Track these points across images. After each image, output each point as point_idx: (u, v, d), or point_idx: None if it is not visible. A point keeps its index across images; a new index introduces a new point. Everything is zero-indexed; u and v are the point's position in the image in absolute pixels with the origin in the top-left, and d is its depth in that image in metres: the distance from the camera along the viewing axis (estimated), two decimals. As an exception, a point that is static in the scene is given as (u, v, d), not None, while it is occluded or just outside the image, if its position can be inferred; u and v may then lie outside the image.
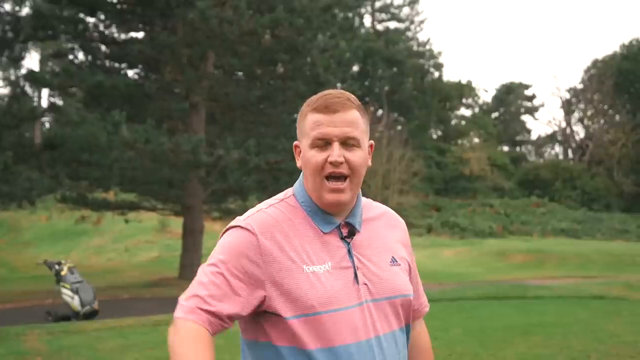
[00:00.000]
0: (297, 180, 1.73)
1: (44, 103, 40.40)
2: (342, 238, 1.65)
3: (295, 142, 1.71)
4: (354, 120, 1.62)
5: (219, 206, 20.02)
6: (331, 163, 1.59)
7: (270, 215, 1.63)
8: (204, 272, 1.57)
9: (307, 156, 1.63)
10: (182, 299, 1.55)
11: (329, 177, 1.60)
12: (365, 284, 1.62)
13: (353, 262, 1.63)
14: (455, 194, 48.26)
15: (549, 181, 49.02)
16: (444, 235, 37.32)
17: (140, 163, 13.78)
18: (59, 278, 10.15)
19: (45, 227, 34.20)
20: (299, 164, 1.68)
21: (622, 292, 12.33)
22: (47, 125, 39.24)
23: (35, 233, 33.47)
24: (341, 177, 1.61)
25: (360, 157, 1.63)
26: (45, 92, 39.34)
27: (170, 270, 20.37)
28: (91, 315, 9.76)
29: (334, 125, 1.60)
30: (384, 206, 1.87)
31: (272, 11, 14.94)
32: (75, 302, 9.76)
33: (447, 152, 51.11)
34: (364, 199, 1.79)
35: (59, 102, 36.05)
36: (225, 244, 1.60)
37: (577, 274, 20.49)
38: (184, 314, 1.50)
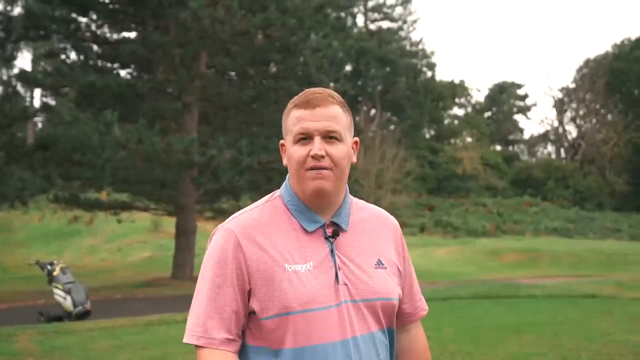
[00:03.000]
0: (284, 182, 1.75)
1: (37, 103, 40.29)
2: (326, 238, 1.66)
3: (282, 141, 1.73)
4: (334, 115, 1.65)
5: (212, 206, 20.00)
6: (313, 157, 1.61)
7: (253, 217, 1.67)
8: (206, 297, 1.63)
9: (290, 152, 1.65)
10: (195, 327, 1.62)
11: (311, 170, 1.63)
12: (346, 285, 1.63)
13: (335, 262, 1.63)
14: (448, 193, 48.34)
15: (541, 180, 49.18)
16: (437, 234, 37.38)
17: (133, 163, 13.76)
18: (51, 278, 10.14)
19: (38, 227, 34.04)
20: (285, 162, 1.71)
21: (614, 291, 12.39)
22: (40, 125, 39.02)
23: (27, 233, 33.31)
24: (322, 169, 1.63)
25: (342, 150, 1.65)
26: (37, 92, 39.20)
27: (163, 270, 20.33)
28: (83, 315, 9.75)
29: (314, 120, 1.62)
30: (378, 208, 1.87)
31: (264, 11, 14.93)
32: (67, 303, 9.75)
33: (440, 151, 51.17)
34: (356, 200, 1.81)
35: (52, 102, 36.00)
36: (212, 251, 1.65)
37: (570, 273, 20.51)
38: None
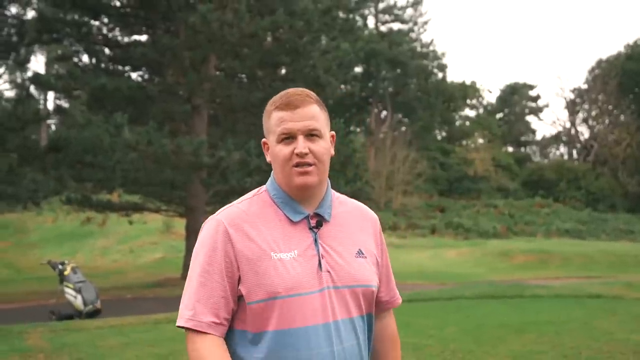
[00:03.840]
0: (269, 177, 1.86)
1: (50, 105, 40.67)
2: (311, 228, 1.77)
3: (263, 140, 1.85)
4: (314, 114, 1.76)
5: (221, 207, 20.19)
6: (297, 154, 1.72)
7: (241, 209, 1.78)
8: (196, 282, 1.73)
9: (275, 151, 1.77)
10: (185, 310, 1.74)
11: (297, 166, 1.74)
12: (329, 272, 1.73)
13: (318, 250, 1.75)
14: (459, 194, 48.26)
15: (553, 182, 48.99)
16: (448, 236, 37.30)
17: (143, 164, 13.95)
18: (62, 278, 10.30)
19: (51, 228, 34.34)
20: (268, 159, 1.83)
21: (620, 292, 12.38)
22: (53, 127, 39.36)
23: (41, 235, 33.58)
24: (307, 165, 1.75)
25: (323, 146, 1.77)
26: (51, 94, 39.59)
27: (174, 270, 20.45)
28: (94, 314, 9.90)
29: (296, 120, 1.74)
30: (357, 202, 1.98)
31: (272, 14, 15.12)
32: (78, 302, 9.91)
33: (451, 152, 51.12)
34: (337, 194, 1.93)
35: (65, 105, 36.34)
36: (203, 240, 1.77)
37: (580, 274, 20.42)
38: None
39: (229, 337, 1.74)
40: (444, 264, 26.13)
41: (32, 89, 41.39)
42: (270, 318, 1.67)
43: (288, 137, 1.75)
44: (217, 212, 1.82)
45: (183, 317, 1.71)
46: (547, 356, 6.53)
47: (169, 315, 8.82)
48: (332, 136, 1.87)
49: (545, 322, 8.43)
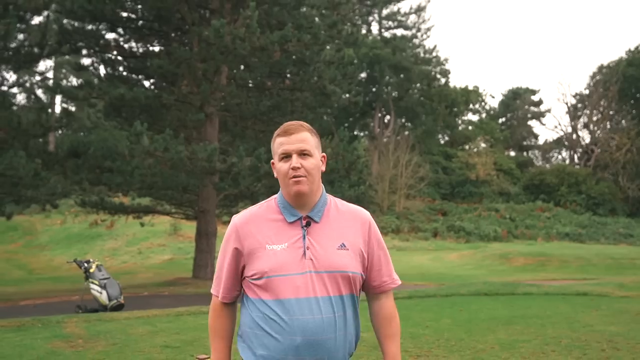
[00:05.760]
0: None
1: (57, 109, 41.29)
2: (302, 227, 2.28)
3: (272, 161, 2.39)
4: (305, 138, 2.29)
5: (230, 210, 20.91)
6: (292, 169, 2.24)
7: (251, 212, 2.37)
8: (217, 264, 2.42)
9: (277, 167, 2.31)
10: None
11: (293, 178, 2.25)
12: (311, 259, 2.23)
13: (304, 243, 2.25)
14: (461, 198, 48.47)
15: (554, 186, 49.02)
16: (450, 239, 37.65)
17: (160, 170, 14.72)
18: (87, 275, 11.06)
19: (60, 230, 34.78)
20: (275, 175, 2.35)
21: (607, 290, 13.03)
22: (60, 131, 39.60)
23: (50, 237, 33.93)
24: (300, 177, 2.25)
25: (312, 162, 2.28)
26: (58, 98, 40.12)
27: (183, 271, 20.94)
28: (118, 308, 10.67)
29: (291, 143, 2.27)
30: (353, 206, 2.45)
31: (281, 26, 15.90)
32: (103, 297, 10.70)
33: (453, 157, 51.24)
34: (336, 200, 2.42)
35: (72, 109, 37.02)
36: (225, 235, 2.41)
37: (577, 277, 20.63)
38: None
39: (246, 301, 2.33)
40: (445, 266, 26.56)
41: (39, 92, 42.15)
42: (265, 290, 2.22)
43: (286, 156, 2.27)
44: (237, 214, 2.41)
45: (212, 288, 2.44)
46: (531, 344, 7.26)
47: (189, 309, 9.62)
48: (323, 157, 2.37)
49: (532, 315, 9.19)
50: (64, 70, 43.50)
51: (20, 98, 41.78)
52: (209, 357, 6.65)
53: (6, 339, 7.32)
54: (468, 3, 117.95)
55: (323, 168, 2.36)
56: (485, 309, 9.91)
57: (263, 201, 2.43)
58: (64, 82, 38.98)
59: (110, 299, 10.64)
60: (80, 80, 24.22)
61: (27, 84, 42.24)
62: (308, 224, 2.28)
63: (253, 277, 2.25)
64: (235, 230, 2.32)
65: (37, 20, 16.68)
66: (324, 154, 2.39)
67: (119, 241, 31.92)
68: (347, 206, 2.42)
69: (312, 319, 2.17)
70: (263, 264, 2.23)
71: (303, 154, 2.26)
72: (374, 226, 2.41)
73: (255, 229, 2.29)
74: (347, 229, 2.33)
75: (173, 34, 17.82)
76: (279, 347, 2.18)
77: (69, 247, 31.36)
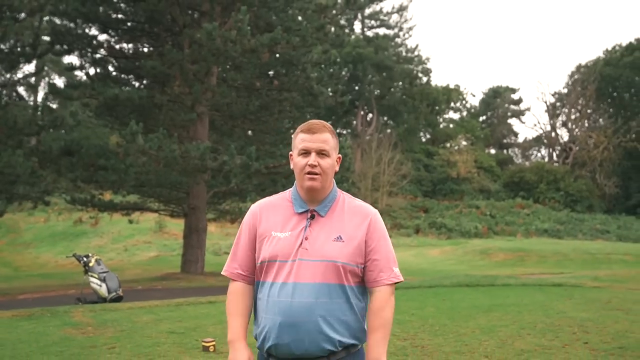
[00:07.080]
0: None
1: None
2: (307, 219, 2.41)
3: (290, 152, 2.51)
4: (326, 139, 2.40)
5: (217, 208, 21.30)
6: (309, 165, 2.36)
7: (269, 200, 2.54)
8: (233, 245, 2.56)
9: (295, 161, 2.42)
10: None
11: (308, 174, 2.38)
12: (306, 249, 2.34)
13: (304, 234, 2.37)
14: (442, 195, 49.04)
15: (533, 183, 49.74)
16: (431, 235, 38.07)
17: (153, 168, 15.15)
18: (87, 269, 11.47)
19: (44, 228, 34.57)
20: (291, 166, 2.47)
21: (580, 281, 13.70)
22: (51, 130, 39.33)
23: (34, 234, 33.65)
24: (315, 174, 2.37)
25: (329, 163, 2.40)
26: (40, 96, 39.96)
27: (170, 267, 21.25)
28: (117, 300, 11.09)
29: (312, 142, 2.38)
30: (363, 203, 2.53)
31: (269, 28, 16.42)
32: (102, 290, 11.14)
33: (435, 155, 51.81)
34: (349, 197, 2.53)
35: (53, 106, 37.04)
36: (244, 218, 2.57)
37: (554, 271, 21.29)
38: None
39: (256, 286, 2.47)
40: (426, 262, 27.07)
41: (21, 90, 41.92)
42: (267, 274, 2.39)
43: (305, 153, 2.39)
44: (258, 201, 2.59)
45: (225, 268, 2.55)
46: (508, 329, 7.85)
47: (187, 299, 10.12)
48: (339, 158, 2.49)
49: (510, 304, 9.80)
50: (46, 68, 43.39)
51: (7, 99, 41.55)
52: (214, 341, 7.25)
53: (20, 326, 7.78)
54: (450, 3, 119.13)
55: (337, 168, 2.49)
56: (467, 298, 10.51)
57: (282, 192, 2.59)
58: (46, 79, 38.92)
59: (109, 292, 11.09)
60: (63, 79, 24.35)
61: (10, 83, 41.94)
62: (312, 217, 2.40)
63: (258, 261, 2.43)
64: (253, 215, 2.49)
65: (29, 20, 16.98)
66: (340, 155, 2.52)
67: (104, 239, 31.83)
68: (355, 202, 2.52)
69: (290, 302, 2.29)
70: (265, 251, 2.39)
71: (322, 153, 2.38)
72: (376, 222, 2.46)
73: (268, 216, 2.45)
74: (349, 223, 2.42)
75: (165, 36, 18.23)
76: (265, 326, 2.35)
77: (54, 245, 31.21)
